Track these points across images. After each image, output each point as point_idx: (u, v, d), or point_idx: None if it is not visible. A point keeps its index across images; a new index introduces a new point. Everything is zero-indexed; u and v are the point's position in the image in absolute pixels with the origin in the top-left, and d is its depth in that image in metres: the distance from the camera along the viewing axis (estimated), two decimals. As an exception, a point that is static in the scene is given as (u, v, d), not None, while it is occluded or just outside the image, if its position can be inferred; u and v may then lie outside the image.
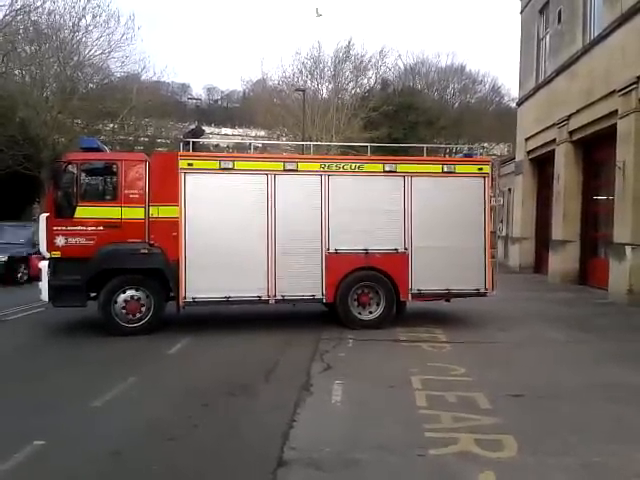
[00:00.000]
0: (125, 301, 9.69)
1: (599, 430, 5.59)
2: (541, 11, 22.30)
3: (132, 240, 9.64)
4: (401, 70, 52.14)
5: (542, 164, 22.64)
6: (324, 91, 42.64)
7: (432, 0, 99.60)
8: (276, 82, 43.38)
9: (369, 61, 42.41)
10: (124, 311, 9.68)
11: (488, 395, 6.54)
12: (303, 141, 34.80)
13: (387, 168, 10.50)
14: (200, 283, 9.68)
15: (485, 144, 51.38)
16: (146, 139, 35.50)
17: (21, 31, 26.84)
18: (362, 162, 10.70)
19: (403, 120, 43.56)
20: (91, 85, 31.76)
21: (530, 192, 23.49)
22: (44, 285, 9.52)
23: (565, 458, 4.91)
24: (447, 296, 10.97)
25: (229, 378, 7.30)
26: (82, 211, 9.55)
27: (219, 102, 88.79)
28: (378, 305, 10.60)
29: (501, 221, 30.48)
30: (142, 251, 9.65)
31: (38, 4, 26.17)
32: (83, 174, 9.81)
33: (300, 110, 37.17)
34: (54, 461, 4.85)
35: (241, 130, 78.12)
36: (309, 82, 41.52)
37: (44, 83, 28.28)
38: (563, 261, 18.60)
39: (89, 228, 9.53)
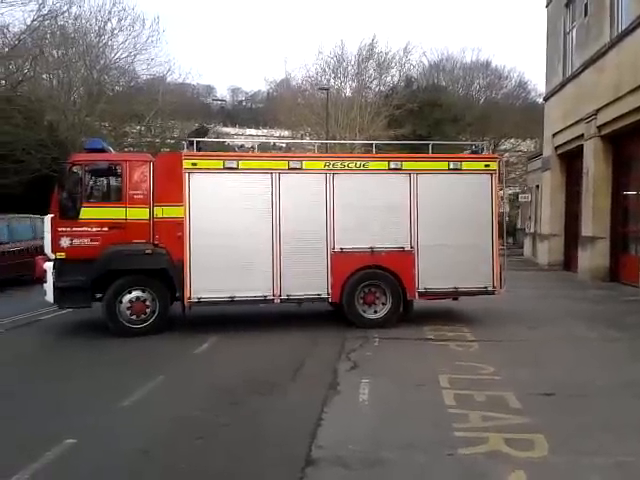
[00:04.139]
0: (130, 302, 9.65)
1: (632, 429, 5.47)
2: (567, 5, 21.91)
3: (137, 241, 9.63)
4: (425, 67, 51.73)
5: (570, 160, 22.25)
6: (347, 89, 42.57)
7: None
8: (300, 81, 43.49)
9: (393, 58, 42.13)
10: (129, 312, 9.64)
11: (518, 394, 6.45)
12: (327, 140, 34.84)
13: (392, 165, 10.40)
14: (205, 283, 9.65)
15: (512, 140, 50.79)
16: (172, 141, 35.82)
17: (48, 36, 27.27)
18: (367, 160, 10.62)
19: (428, 117, 43.14)
20: (117, 88, 32.18)
21: (558, 188, 23.10)
22: (49, 286, 9.52)
23: (598, 458, 4.82)
24: (454, 294, 10.85)
25: (256, 377, 7.33)
26: (87, 212, 9.55)
27: (243, 103, 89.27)
28: (384, 304, 10.50)
29: (529, 218, 30.09)
30: (147, 252, 9.63)
31: (65, 9, 26.57)
32: (88, 175, 9.78)
33: (324, 109, 37.17)
34: (85, 459, 4.92)
35: (265, 130, 78.37)
36: (332, 81, 41.48)
37: (71, 87, 28.71)
38: (593, 258, 18.25)
39: (94, 229, 9.51)
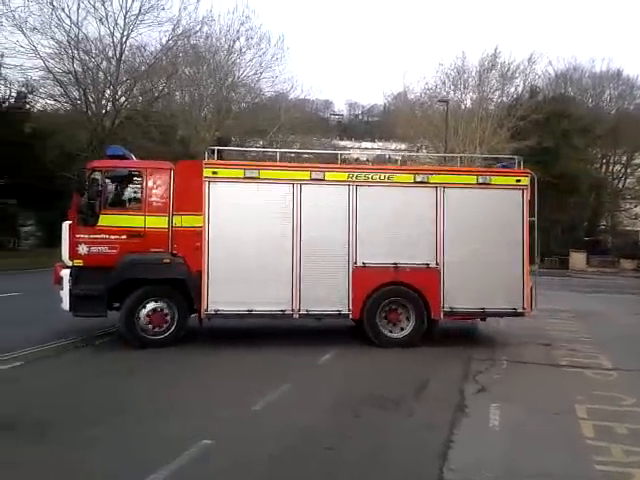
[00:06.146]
0: (148, 313, 9.35)
1: None
2: None
3: (155, 249, 9.40)
4: (551, 77, 49.46)
5: None
6: (468, 101, 41.66)
7: (585, 4, 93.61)
8: (418, 94, 43.16)
9: (517, 68, 40.75)
10: (148, 323, 9.35)
11: (666, 430, 5.90)
12: (445, 153, 34.21)
13: (418, 179, 9.94)
14: (223, 295, 9.35)
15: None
16: (292, 155, 36.92)
17: (181, 54, 29.21)
18: (392, 172, 10.13)
19: (554, 129, 41.06)
20: (243, 104, 33.76)
21: None
22: (65, 294, 9.24)
23: None
24: (481, 315, 10.29)
25: (379, 391, 7.27)
26: (105, 219, 9.32)
27: (360, 116, 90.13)
28: (407, 323, 9.98)
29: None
30: (165, 261, 9.38)
31: (197, 28, 28.39)
32: (107, 181, 9.54)
33: (442, 121, 36.61)
34: (221, 460, 5.10)
35: (380, 143, 78.45)
36: (452, 93, 40.81)
37: (202, 103, 30.52)
38: None
39: (112, 236, 9.29)
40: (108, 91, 27.05)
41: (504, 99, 41.91)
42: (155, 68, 27.42)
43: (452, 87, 40.99)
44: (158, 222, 9.42)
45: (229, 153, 11.26)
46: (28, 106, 29.66)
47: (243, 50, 30.63)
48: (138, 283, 9.30)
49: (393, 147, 55.51)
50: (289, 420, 6.17)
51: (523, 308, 10.00)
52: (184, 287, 9.45)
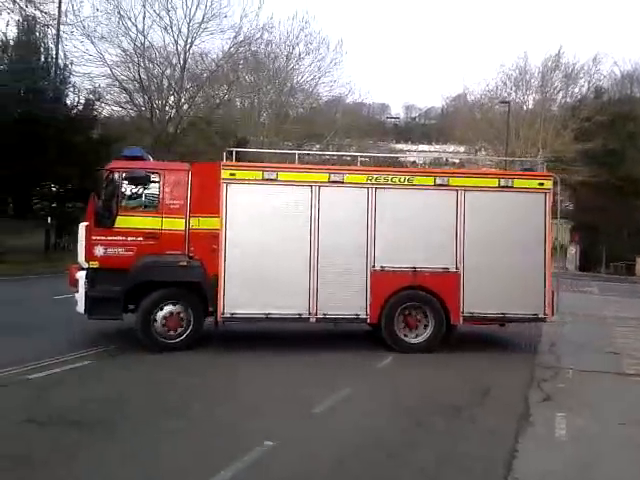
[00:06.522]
0: (165, 316, 9.21)
1: None
2: None
3: (171, 252, 9.30)
4: (617, 77, 47.75)
5: None
6: (530, 102, 40.79)
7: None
8: (478, 96, 42.55)
9: (581, 69, 39.70)
10: (164, 326, 9.21)
11: None
12: (506, 155, 33.52)
13: (438, 181, 9.74)
14: (239, 298, 9.20)
15: None
16: (349, 158, 37.04)
17: (242, 61, 29.78)
18: (412, 175, 9.93)
19: (620, 130, 39.63)
20: (301, 109, 34.11)
21: None
22: (81, 296, 9.12)
23: None
24: (502, 321, 9.99)
25: (440, 398, 7.24)
26: (122, 221, 9.24)
27: (417, 119, 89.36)
28: (426, 328, 9.75)
29: None
30: (181, 263, 9.27)
31: (258, 35, 28.85)
32: (125, 183, 9.41)
33: (503, 123, 35.94)
34: (283, 462, 5.19)
35: (438, 146, 77.67)
36: (513, 94, 40.04)
37: (261, 108, 31.03)
38: None
39: (128, 238, 9.21)
40: (172, 98, 27.91)
41: (568, 100, 40.93)
42: (217, 75, 28.08)
43: (513, 88, 40.33)
44: (175, 224, 9.34)
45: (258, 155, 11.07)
46: (95, 113, 30.85)
47: (302, 56, 31.01)
48: (154, 286, 9.22)
49: (451, 149, 54.83)
50: (350, 424, 6.22)
51: (544, 314, 9.77)
52: (200, 290, 9.36)
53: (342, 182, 9.59)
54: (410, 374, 8.63)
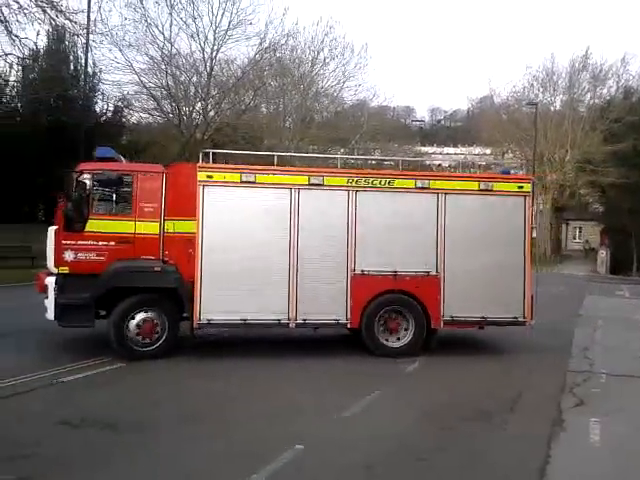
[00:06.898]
0: (138, 324, 8.86)
1: None
2: None
3: (145, 257, 8.99)
4: (646, 77, 46.94)
5: None
6: (557, 103, 40.35)
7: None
8: (504, 97, 42.20)
9: (609, 69, 39.12)
10: (138, 334, 8.86)
11: None
12: (534, 157, 33.21)
13: (419, 184, 9.62)
14: (216, 304, 8.94)
15: None
16: (374, 162, 36.99)
17: (267, 68, 29.96)
18: (392, 177, 9.75)
19: (650, 131, 38.91)
20: (326, 114, 34.17)
21: None
22: (50, 302, 8.74)
23: None
24: (482, 324, 9.85)
25: (471, 403, 7.17)
26: (93, 225, 8.86)
27: (442, 122, 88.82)
28: (407, 332, 9.62)
29: None
30: (155, 269, 8.95)
31: (283, 41, 29.00)
32: (96, 185, 9.07)
33: (530, 124, 35.51)
34: (315, 465, 5.21)
35: (463, 149, 76.90)
36: (541, 95, 39.64)
37: (286, 114, 31.17)
38: None
39: (100, 243, 8.84)
40: (199, 104, 28.17)
41: (596, 101, 40.29)
42: (242, 81, 28.29)
43: (541, 89, 39.99)
44: (149, 228, 9.01)
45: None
46: (124, 120, 31.33)
47: (327, 60, 31.07)
48: (127, 292, 8.86)
49: (477, 152, 54.43)
50: (380, 428, 6.20)
51: (524, 317, 9.71)
52: (175, 296, 9.05)
53: (322, 185, 9.43)
54: (439, 378, 8.57)
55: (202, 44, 27.36)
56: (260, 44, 28.15)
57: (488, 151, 48.12)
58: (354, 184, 9.49)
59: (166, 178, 9.17)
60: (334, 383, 8.10)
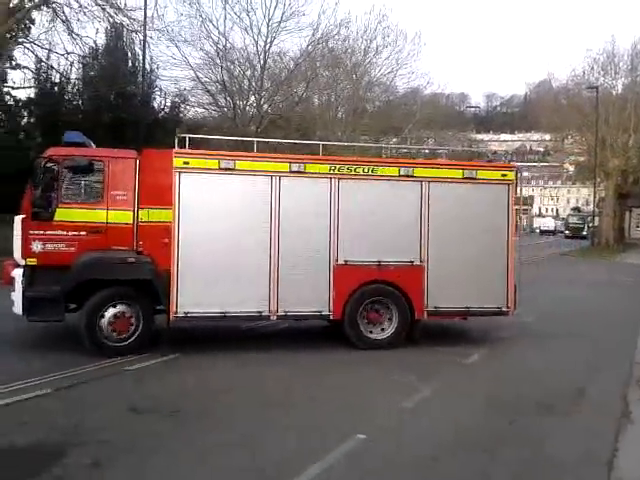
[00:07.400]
0: (112, 318, 8.47)
1: None
2: None
3: (118, 247, 8.61)
4: None
5: None
6: (619, 87, 38.77)
7: None
8: (563, 81, 40.86)
9: (675, 49, 37.21)
10: (111, 329, 8.45)
11: None
12: (596, 142, 32.05)
13: (403, 172, 9.36)
14: (194, 296, 8.62)
15: None
16: (427, 151, 36.54)
17: (320, 58, 29.92)
18: (376, 165, 9.48)
19: None
20: (378, 103, 33.90)
21: None
22: (17, 296, 8.35)
23: None
24: (465, 314, 9.75)
25: (533, 395, 7.06)
26: (62, 213, 8.47)
27: (498, 108, 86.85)
28: (390, 323, 9.40)
29: None
30: (129, 260, 8.56)
31: (335, 32, 28.89)
32: (65, 172, 8.58)
33: (591, 109, 34.32)
34: (377, 454, 5.26)
35: (521, 135, 74.97)
36: (602, 78, 38.16)
37: (338, 104, 31.11)
38: None
39: (70, 233, 8.45)
40: (253, 98, 28.46)
41: (661, 82, 38.46)
42: (295, 74, 28.39)
43: (601, 72, 38.46)
44: (122, 217, 8.66)
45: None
46: (181, 115, 32.00)
47: (379, 49, 30.71)
48: (99, 284, 8.47)
49: (535, 138, 53.00)
50: (441, 420, 6.21)
51: (507, 307, 9.61)
52: (151, 288, 8.68)
53: (303, 172, 9.14)
54: (500, 370, 8.49)
55: (255, 37, 27.56)
56: (313, 35, 28.13)
57: (547, 137, 46.79)
58: (336, 172, 9.24)
59: (140, 164, 8.82)
60: (391, 375, 8.02)
